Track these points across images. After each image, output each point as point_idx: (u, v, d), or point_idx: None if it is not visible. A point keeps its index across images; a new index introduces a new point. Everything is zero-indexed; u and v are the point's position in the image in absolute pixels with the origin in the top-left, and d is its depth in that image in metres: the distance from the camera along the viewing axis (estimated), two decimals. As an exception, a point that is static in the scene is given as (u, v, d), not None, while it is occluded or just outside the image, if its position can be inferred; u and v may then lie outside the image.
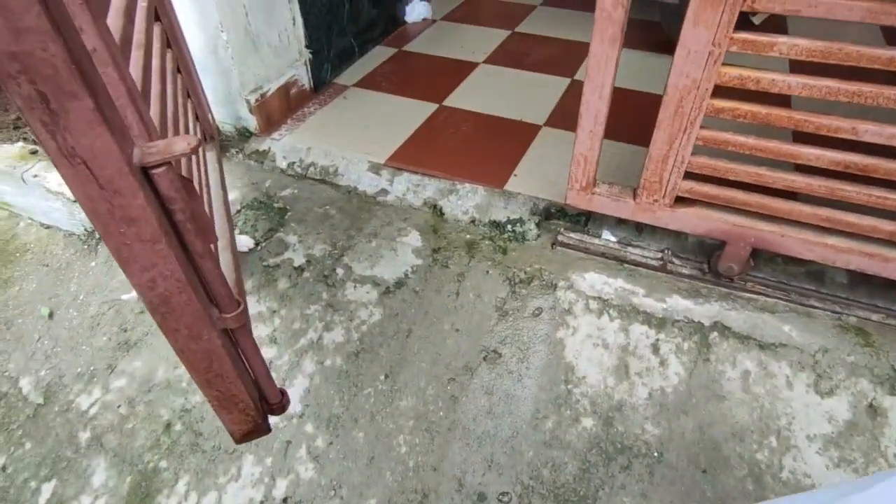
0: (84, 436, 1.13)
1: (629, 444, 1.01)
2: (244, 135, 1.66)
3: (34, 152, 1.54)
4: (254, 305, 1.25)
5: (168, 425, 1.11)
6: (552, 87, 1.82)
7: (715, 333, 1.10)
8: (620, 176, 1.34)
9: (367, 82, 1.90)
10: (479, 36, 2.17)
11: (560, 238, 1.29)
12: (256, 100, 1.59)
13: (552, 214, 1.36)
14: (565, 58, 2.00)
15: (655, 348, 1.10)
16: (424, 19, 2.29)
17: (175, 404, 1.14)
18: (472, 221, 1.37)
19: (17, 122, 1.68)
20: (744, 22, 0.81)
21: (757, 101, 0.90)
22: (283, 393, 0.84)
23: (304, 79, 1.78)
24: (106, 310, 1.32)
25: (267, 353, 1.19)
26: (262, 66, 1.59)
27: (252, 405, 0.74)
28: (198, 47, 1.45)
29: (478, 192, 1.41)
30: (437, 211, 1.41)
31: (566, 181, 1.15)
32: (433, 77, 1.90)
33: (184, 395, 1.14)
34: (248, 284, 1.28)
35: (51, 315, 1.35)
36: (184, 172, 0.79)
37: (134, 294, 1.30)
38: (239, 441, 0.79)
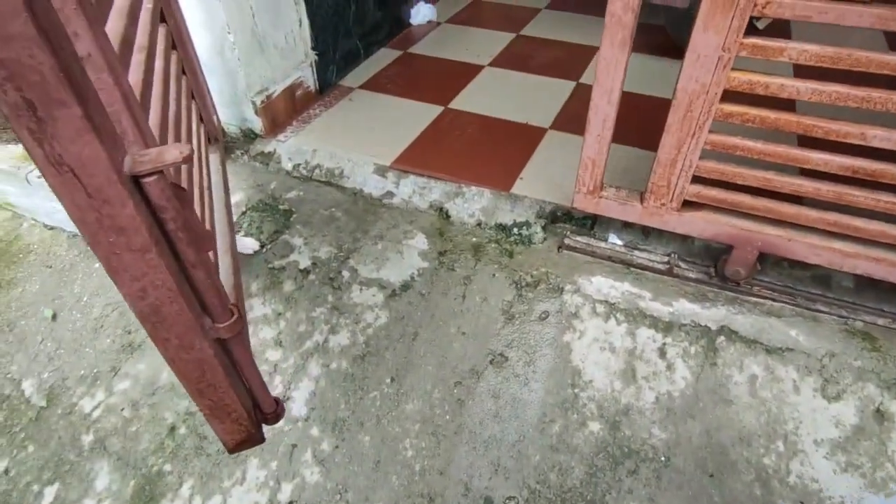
0: (87, 439, 1.12)
1: (636, 448, 1.00)
2: (249, 136, 1.66)
3: (38, 153, 1.53)
4: (259, 308, 1.25)
5: (172, 428, 1.11)
6: (558, 91, 1.83)
7: (722, 338, 1.10)
8: (625, 180, 1.34)
9: (373, 84, 1.90)
10: (484, 39, 2.17)
11: (566, 241, 1.29)
12: (262, 101, 1.59)
13: (558, 218, 1.36)
14: (570, 61, 2.00)
15: (662, 352, 1.10)
16: (429, 22, 2.30)
17: (179, 407, 1.13)
18: (479, 224, 1.37)
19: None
20: (748, 26, 0.81)
21: (763, 106, 0.90)
22: (277, 402, 0.83)
23: (310, 80, 1.78)
24: (109, 312, 1.32)
25: (272, 355, 1.18)
26: (268, 68, 1.59)
27: (245, 415, 0.74)
28: (204, 48, 1.45)
29: (484, 195, 1.41)
30: (443, 214, 1.41)
31: (572, 184, 1.15)
32: (438, 79, 1.90)
33: (188, 399, 1.14)
34: (254, 286, 1.28)
35: (54, 317, 1.34)
36: (182, 176, 0.78)
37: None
38: (232, 451, 0.78)
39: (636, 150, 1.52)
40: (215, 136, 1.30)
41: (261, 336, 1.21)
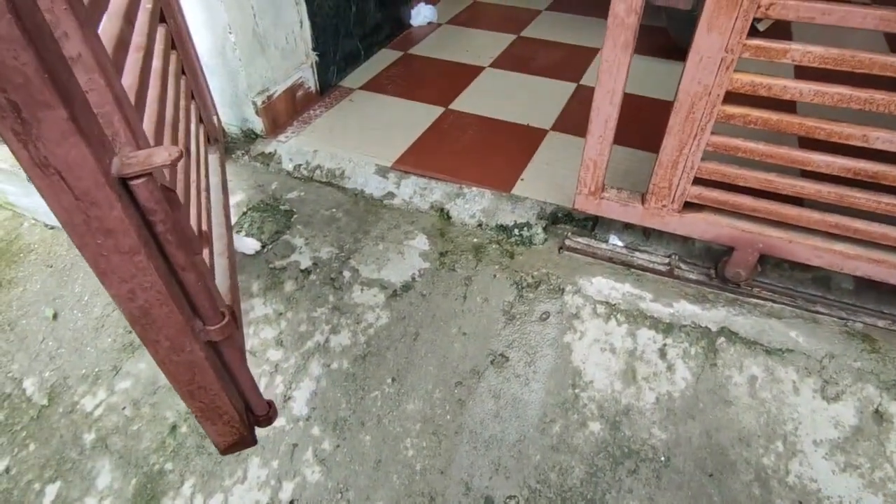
0: (89, 437, 1.12)
1: (636, 448, 1.01)
2: (250, 137, 1.66)
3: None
4: (260, 308, 1.25)
5: (173, 427, 1.11)
6: (558, 92, 1.83)
7: (722, 339, 1.11)
8: (626, 181, 1.35)
9: (373, 85, 1.90)
10: (484, 40, 2.17)
11: (567, 242, 1.29)
12: (263, 102, 1.59)
13: (559, 219, 1.36)
14: (571, 62, 2.00)
15: (663, 353, 1.10)
16: (430, 23, 2.30)
17: (180, 406, 1.13)
18: (480, 225, 1.37)
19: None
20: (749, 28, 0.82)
21: (765, 107, 0.90)
22: (270, 405, 0.83)
23: (311, 81, 1.78)
24: (110, 311, 1.32)
25: (273, 355, 1.18)
26: (268, 68, 1.59)
27: (237, 417, 0.73)
28: (205, 48, 1.45)
29: (485, 196, 1.41)
30: (444, 214, 1.41)
31: (573, 186, 1.16)
32: (439, 81, 1.91)
33: (190, 397, 1.14)
34: (255, 287, 1.28)
35: (55, 316, 1.34)
36: (178, 176, 0.78)
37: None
38: (224, 452, 0.78)
39: (637, 152, 1.52)
40: (215, 137, 1.30)
41: (262, 336, 1.21)
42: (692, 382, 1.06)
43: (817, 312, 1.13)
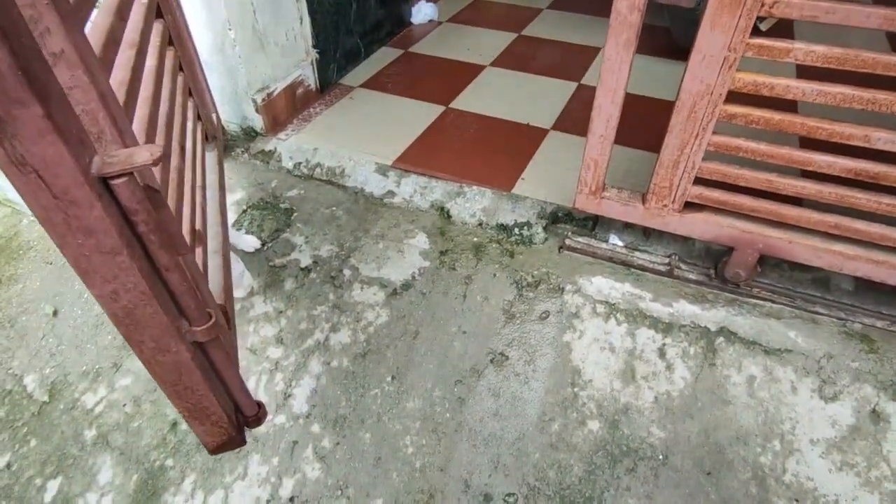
0: (90, 434, 1.13)
1: (635, 446, 1.01)
2: (250, 134, 1.66)
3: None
4: (260, 306, 1.25)
5: (174, 424, 1.11)
6: (559, 91, 1.83)
7: (721, 339, 1.11)
8: (626, 182, 1.35)
9: (374, 83, 1.90)
10: (485, 38, 2.17)
11: (567, 242, 1.30)
12: (263, 99, 1.59)
13: (559, 218, 1.36)
14: (572, 62, 2.00)
15: (662, 353, 1.11)
16: (430, 21, 2.29)
17: (181, 403, 1.14)
18: (480, 224, 1.37)
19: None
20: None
21: (767, 107, 0.90)
22: (259, 405, 0.82)
23: (311, 79, 1.78)
24: (111, 308, 1.32)
25: (273, 353, 1.19)
26: (268, 66, 1.59)
27: (226, 418, 0.73)
28: (205, 45, 1.45)
29: (485, 195, 1.42)
30: (444, 213, 1.41)
31: (574, 185, 1.16)
32: (440, 79, 1.90)
33: (190, 395, 1.14)
34: (255, 284, 1.28)
35: (55, 313, 1.34)
36: (171, 176, 0.77)
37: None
38: (213, 452, 0.78)
39: (637, 152, 1.52)
40: (213, 135, 1.29)
41: (262, 334, 1.21)
42: (691, 382, 1.07)
43: (816, 313, 1.14)
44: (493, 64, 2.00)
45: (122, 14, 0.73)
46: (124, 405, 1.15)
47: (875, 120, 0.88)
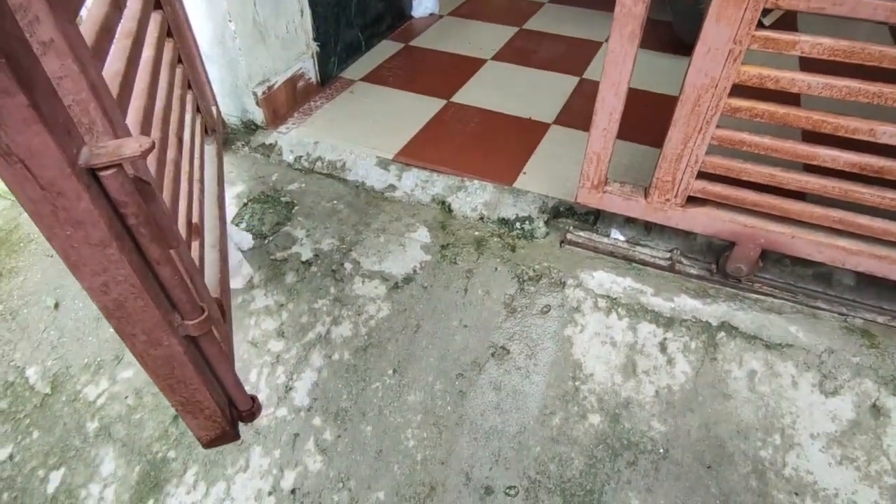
0: (92, 426, 1.13)
1: (635, 440, 1.02)
2: (251, 128, 1.65)
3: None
4: (261, 299, 1.25)
5: (176, 417, 1.12)
6: (561, 85, 1.82)
7: (722, 333, 1.11)
8: (628, 176, 1.34)
9: (375, 77, 1.89)
10: (486, 32, 2.15)
11: (569, 236, 1.29)
12: (263, 92, 1.58)
13: (561, 213, 1.36)
14: (574, 56, 1.99)
15: (663, 347, 1.11)
16: (431, 14, 2.28)
17: (183, 396, 1.14)
18: (481, 218, 1.37)
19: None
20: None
21: (770, 100, 0.90)
22: (254, 400, 0.82)
23: (311, 72, 1.77)
24: (112, 301, 1.32)
25: (275, 346, 1.19)
26: (269, 58, 1.58)
27: (219, 412, 0.72)
28: (205, 38, 1.44)
29: (487, 189, 1.41)
30: (445, 207, 1.41)
31: (575, 180, 1.15)
32: (441, 73, 1.89)
33: (192, 387, 1.14)
34: (256, 278, 1.28)
35: (56, 305, 1.34)
36: (167, 168, 0.76)
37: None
38: (206, 446, 0.77)
39: (639, 147, 1.52)
40: (213, 128, 1.29)
41: (263, 327, 1.21)
42: (692, 376, 1.07)
43: (817, 308, 1.14)
44: (495, 58, 1.98)
45: (117, 3, 0.72)
46: (126, 397, 1.16)
47: (879, 113, 0.87)
